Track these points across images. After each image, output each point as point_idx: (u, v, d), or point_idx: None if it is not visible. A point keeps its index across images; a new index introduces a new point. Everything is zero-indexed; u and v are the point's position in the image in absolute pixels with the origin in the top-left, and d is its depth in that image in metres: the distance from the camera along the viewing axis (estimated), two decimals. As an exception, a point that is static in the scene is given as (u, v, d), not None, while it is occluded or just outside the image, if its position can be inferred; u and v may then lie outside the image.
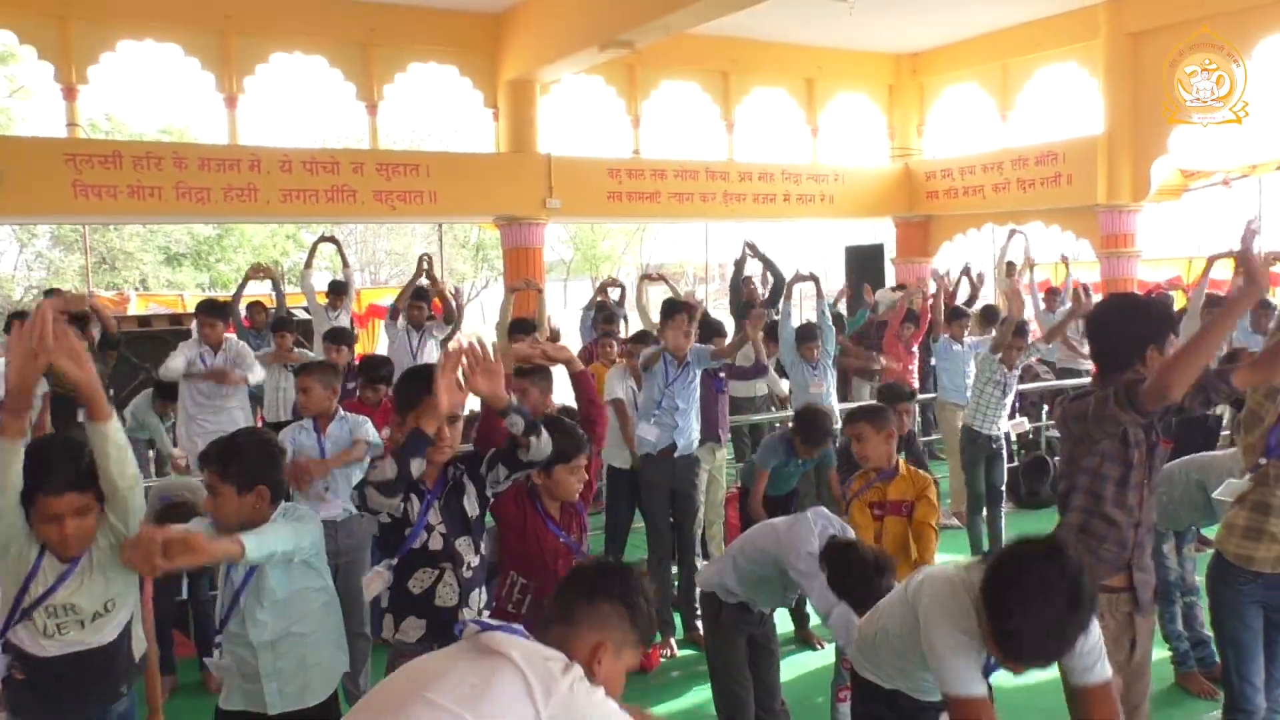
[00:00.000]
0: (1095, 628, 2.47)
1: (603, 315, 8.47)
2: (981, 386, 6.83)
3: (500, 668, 1.82)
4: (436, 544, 3.08)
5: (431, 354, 7.71)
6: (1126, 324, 3.07)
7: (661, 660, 5.36)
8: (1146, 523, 3.12)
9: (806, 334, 6.89)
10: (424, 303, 7.69)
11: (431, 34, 11.69)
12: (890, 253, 15.60)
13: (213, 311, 6.88)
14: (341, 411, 4.75)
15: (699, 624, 5.56)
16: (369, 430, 4.76)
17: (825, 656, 5.14)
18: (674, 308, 5.52)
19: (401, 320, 7.89)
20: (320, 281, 30.02)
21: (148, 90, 34.56)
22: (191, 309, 13.56)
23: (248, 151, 10.79)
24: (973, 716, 2.44)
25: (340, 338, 6.84)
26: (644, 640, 2.05)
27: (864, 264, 15.24)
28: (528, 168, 12.01)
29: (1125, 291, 3.03)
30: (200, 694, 4.89)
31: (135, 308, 13.76)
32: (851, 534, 3.61)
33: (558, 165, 12.14)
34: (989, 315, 10.34)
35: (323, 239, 9.13)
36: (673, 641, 5.52)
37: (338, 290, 9.38)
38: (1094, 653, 2.50)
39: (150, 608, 4.61)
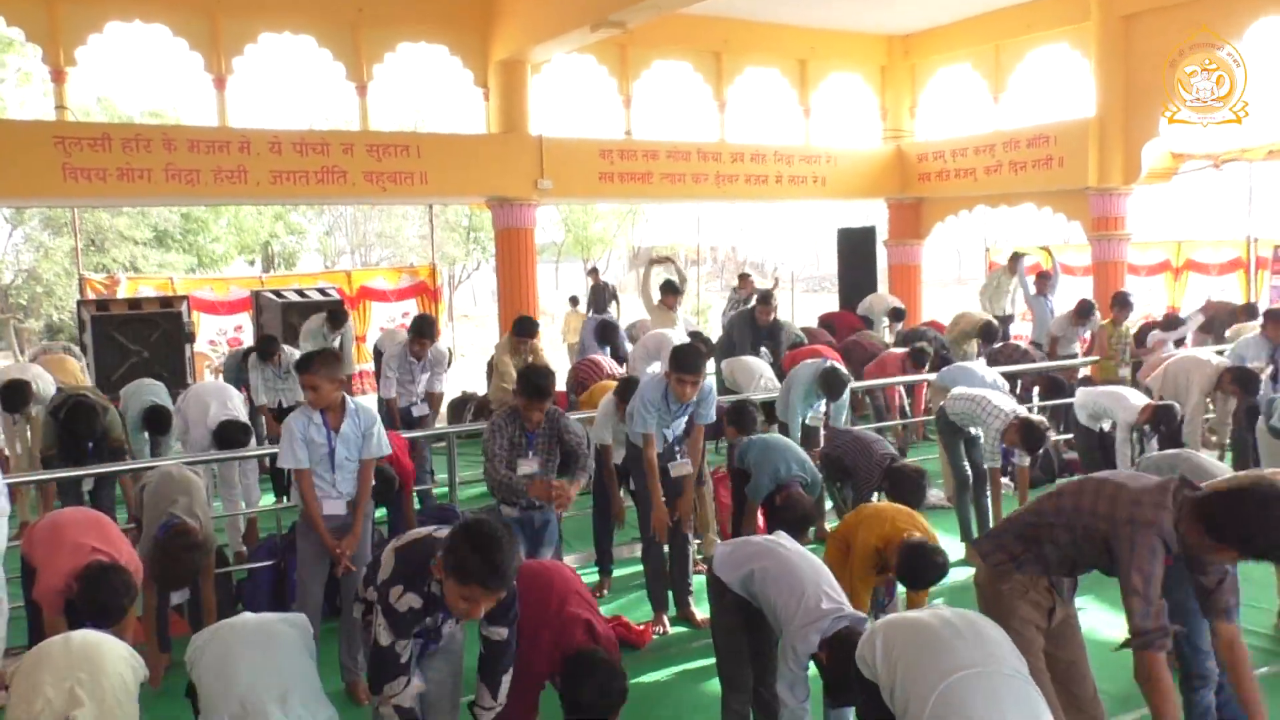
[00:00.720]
0: None
1: (605, 295, 8.54)
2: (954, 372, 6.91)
3: None
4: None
5: (420, 383, 7.91)
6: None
7: (655, 637, 5.40)
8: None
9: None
10: (427, 340, 7.82)
11: (421, 13, 11.63)
12: (882, 235, 15.61)
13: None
14: (350, 404, 4.67)
15: (690, 601, 5.62)
16: (379, 431, 4.73)
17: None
18: (688, 364, 5.14)
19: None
20: (311, 263, 29.69)
21: (136, 73, 34.37)
22: (181, 291, 13.56)
23: (237, 133, 10.73)
24: None
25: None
26: None
27: (856, 246, 15.26)
28: (519, 148, 11.97)
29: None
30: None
31: (125, 290, 13.68)
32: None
33: (549, 146, 12.11)
34: (988, 333, 10.45)
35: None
36: (665, 619, 5.56)
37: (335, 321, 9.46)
38: None
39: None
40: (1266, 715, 2.96)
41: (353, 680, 4.75)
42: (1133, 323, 10.35)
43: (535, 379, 4.83)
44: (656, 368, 9.93)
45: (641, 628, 5.42)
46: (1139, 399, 6.29)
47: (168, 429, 7.02)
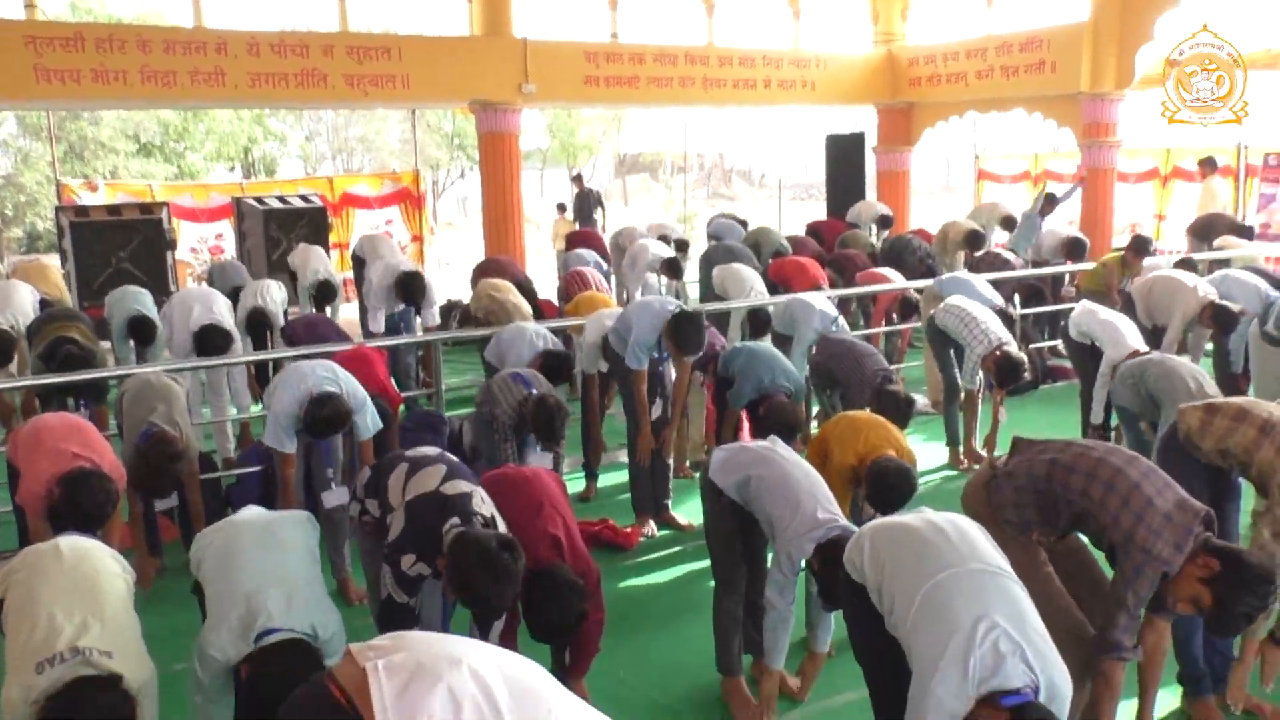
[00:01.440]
0: None
1: (590, 202, 8.45)
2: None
3: None
4: None
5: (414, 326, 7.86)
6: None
7: (641, 539, 5.48)
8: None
9: None
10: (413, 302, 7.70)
11: (401, -91, 11.27)
12: (871, 141, 15.45)
13: None
14: None
15: (669, 507, 5.71)
16: (369, 412, 4.76)
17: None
18: (688, 345, 5.36)
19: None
20: (292, 169, 29.27)
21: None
22: (161, 198, 13.37)
23: (214, 34, 10.45)
24: None
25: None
26: None
27: (845, 153, 15.12)
28: (502, 51, 11.71)
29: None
30: (185, 576, 4.97)
31: (104, 196, 13.48)
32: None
33: (533, 49, 11.85)
34: (974, 241, 10.41)
35: None
36: (651, 522, 5.64)
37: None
38: None
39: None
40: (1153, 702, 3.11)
41: (342, 578, 4.82)
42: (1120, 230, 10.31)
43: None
44: (651, 279, 9.95)
45: (629, 530, 5.50)
46: (1134, 339, 6.20)
47: (153, 339, 6.90)
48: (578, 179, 17.85)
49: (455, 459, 3.52)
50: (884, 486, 4.02)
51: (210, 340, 6.38)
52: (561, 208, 17.83)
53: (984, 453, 6.62)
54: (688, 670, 4.07)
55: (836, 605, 3.30)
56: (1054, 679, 2.32)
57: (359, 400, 4.72)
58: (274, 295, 7.58)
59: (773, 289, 8.47)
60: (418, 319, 7.87)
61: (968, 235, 10.57)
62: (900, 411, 5.17)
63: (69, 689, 2.37)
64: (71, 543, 2.90)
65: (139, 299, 7.24)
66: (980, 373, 6.32)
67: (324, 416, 4.50)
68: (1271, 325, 5.98)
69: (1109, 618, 2.87)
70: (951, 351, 6.61)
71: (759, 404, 5.42)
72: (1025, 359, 6.32)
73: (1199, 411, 3.77)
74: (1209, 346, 7.17)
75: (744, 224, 12.51)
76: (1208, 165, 12.44)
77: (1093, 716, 2.98)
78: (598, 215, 16.08)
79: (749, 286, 8.02)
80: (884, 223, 12.33)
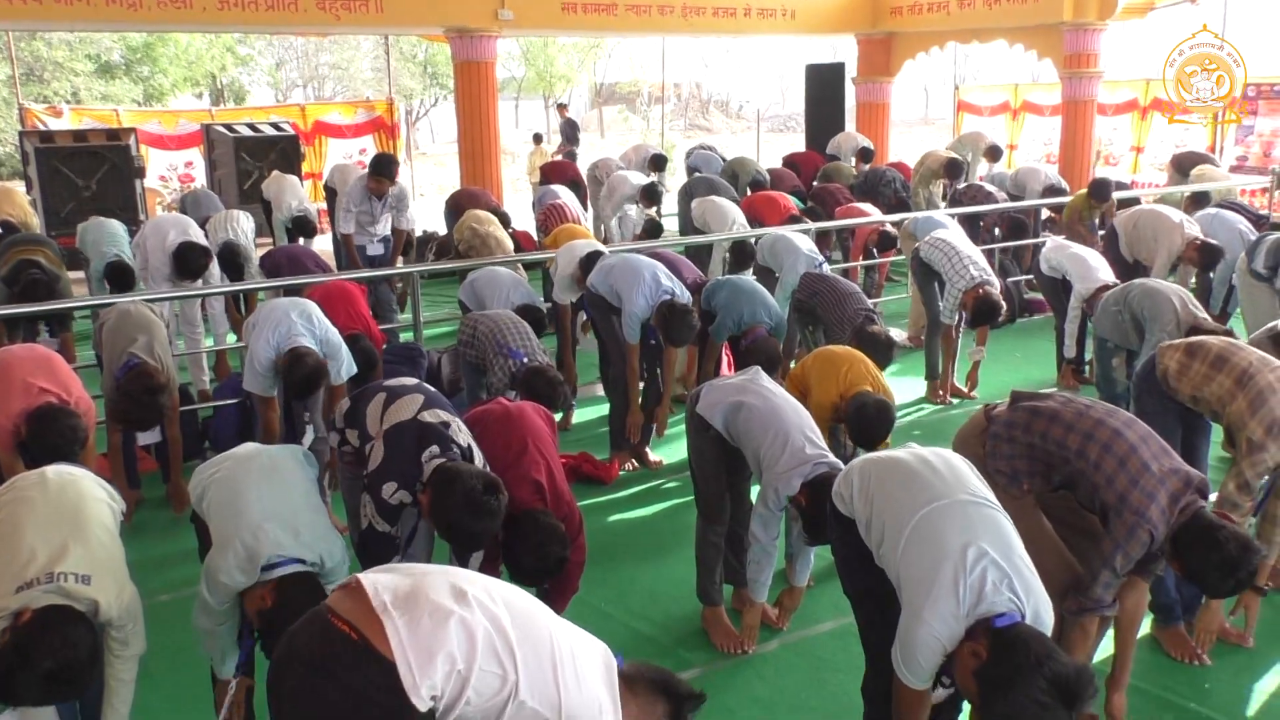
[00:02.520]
0: None
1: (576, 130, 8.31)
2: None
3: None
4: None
5: (381, 222, 7.66)
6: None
7: (620, 474, 5.50)
8: None
9: None
10: (387, 179, 7.47)
11: None
12: (851, 72, 15.29)
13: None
14: None
15: (647, 449, 5.70)
16: (345, 358, 4.75)
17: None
18: (678, 338, 5.27)
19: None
20: (262, 96, 28.65)
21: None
22: (128, 124, 13.08)
23: (180, -47, 10.14)
24: (916, 702, 2.47)
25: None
26: None
27: (825, 83, 14.95)
28: (478, -25, 11.44)
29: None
30: (164, 508, 4.98)
31: (69, 121, 13.18)
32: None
33: (510, -27, 11.58)
34: (953, 169, 10.36)
35: None
36: (631, 458, 5.65)
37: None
38: None
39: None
40: (1126, 673, 3.14)
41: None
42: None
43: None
44: (630, 211, 9.86)
45: (609, 463, 5.51)
46: (1104, 273, 6.24)
47: (132, 285, 6.67)
48: (561, 108, 17.66)
49: (433, 389, 3.50)
50: (864, 421, 4.07)
51: (191, 259, 6.23)
52: (538, 138, 17.61)
53: (963, 388, 6.66)
54: (669, 601, 4.11)
55: (820, 541, 3.33)
56: (1039, 609, 2.35)
57: (334, 347, 4.68)
58: (243, 226, 7.44)
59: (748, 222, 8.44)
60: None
61: (946, 164, 10.51)
62: (882, 352, 5.17)
63: (34, 617, 2.36)
64: (58, 470, 2.88)
65: (114, 239, 6.99)
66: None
67: (301, 379, 4.46)
68: (1260, 263, 6.00)
69: (1094, 574, 2.89)
70: (936, 285, 6.61)
71: (740, 338, 5.43)
72: (1003, 304, 6.33)
73: (1178, 353, 3.78)
74: (1191, 282, 7.20)
75: (723, 159, 12.40)
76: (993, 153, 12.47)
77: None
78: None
79: (730, 219, 7.96)
80: (864, 155, 12.24)
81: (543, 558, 3.11)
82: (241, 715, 2.98)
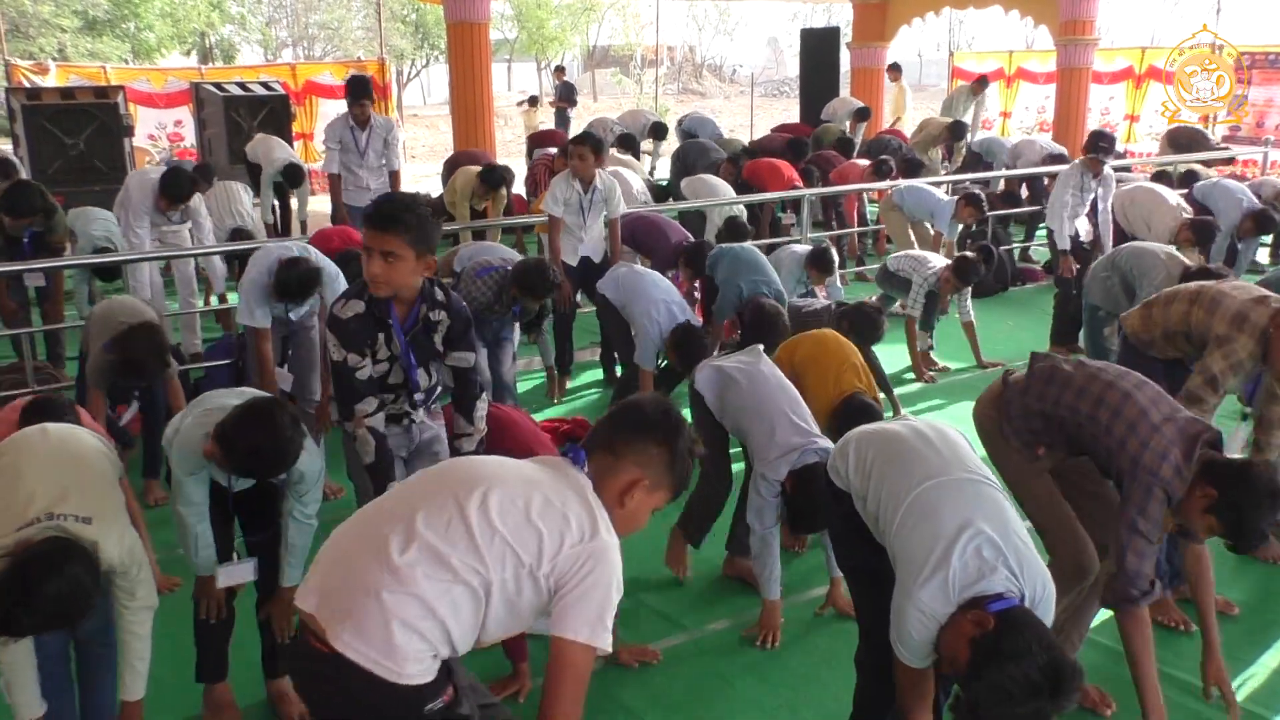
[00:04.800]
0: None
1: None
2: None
3: (572, 500, 1.98)
4: (396, 377, 3.08)
5: (369, 157, 7.15)
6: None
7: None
8: None
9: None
10: (366, 100, 7.04)
11: None
12: (846, 37, 15.20)
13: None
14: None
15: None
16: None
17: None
18: (691, 358, 4.96)
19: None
20: (251, 55, 28.40)
21: None
22: (116, 82, 12.92)
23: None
24: (916, 680, 2.44)
25: None
26: (677, 488, 2.14)
27: (820, 47, 14.87)
28: (471, -66, 11.28)
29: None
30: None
31: (55, 79, 13.01)
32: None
33: (503, -68, 11.44)
34: (957, 131, 10.34)
35: None
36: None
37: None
38: None
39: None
40: (1213, 632, 3.04)
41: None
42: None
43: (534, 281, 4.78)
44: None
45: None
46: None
47: (118, 276, 6.64)
48: (559, 71, 17.56)
49: None
50: (854, 423, 3.99)
51: (178, 185, 6.01)
52: (534, 100, 17.48)
53: (947, 364, 6.65)
54: (661, 566, 4.12)
55: (807, 530, 3.35)
56: (1037, 587, 2.35)
57: (330, 273, 4.62)
58: (243, 204, 7.44)
59: (747, 189, 8.39)
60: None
61: (950, 127, 10.50)
62: (872, 323, 5.20)
63: (35, 545, 2.37)
64: (57, 427, 2.88)
65: (106, 227, 6.65)
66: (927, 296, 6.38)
67: (294, 276, 4.40)
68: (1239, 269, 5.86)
69: (1120, 546, 2.82)
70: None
71: (743, 311, 5.39)
72: (979, 265, 6.35)
73: (1137, 311, 4.01)
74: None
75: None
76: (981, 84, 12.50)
77: (1131, 664, 2.92)
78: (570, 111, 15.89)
79: (721, 195, 7.95)
80: (861, 115, 12.18)
81: None
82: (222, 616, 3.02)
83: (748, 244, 6.35)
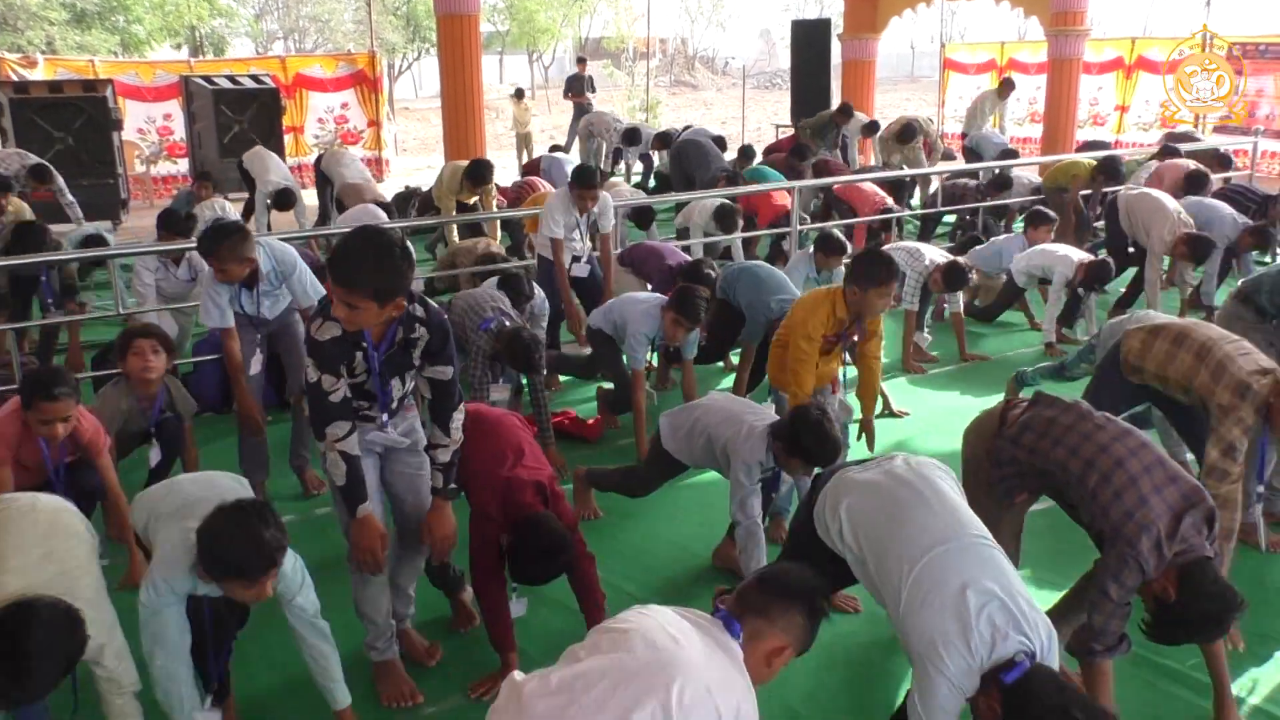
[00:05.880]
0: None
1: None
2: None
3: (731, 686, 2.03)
4: (372, 384, 3.01)
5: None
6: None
7: (605, 433, 5.50)
8: None
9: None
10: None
11: None
12: (837, 28, 15.18)
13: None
14: (262, 253, 4.36)
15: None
16: (303, 272, 4.49)
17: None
18: (691, 315, 5.03)
19: None
20: (242, 48, 28.29)
21: None
22: (105, 75, 12.85)
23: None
24: None
25: None
26: (805, 647, 2.25)
27: (811, 39, 14.86)
28: (461, -75, 11.23)
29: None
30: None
31: (43, 72, 12.94)
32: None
33: (493, -76, 11.39)
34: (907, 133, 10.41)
35: None
36: (616, 418, 5.65)
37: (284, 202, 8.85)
38: None
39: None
40: (1226, 688, 3.06)
41: (299, 465, 4.79)
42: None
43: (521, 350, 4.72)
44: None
45: (592, 422, 5.50)
46: (1079, 255, 6.62)
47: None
48: (581, 62, 17.49)
49: None
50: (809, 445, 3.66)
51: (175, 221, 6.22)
52: (520, 94, 17.43)
53: (935, 354, 6.69)
54: (652, 559, 4.11)
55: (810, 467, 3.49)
56: (1043, 639, 2.40)
57: (290, 263, 4.47)
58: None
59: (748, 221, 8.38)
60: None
61: (898, 132, 10.61)
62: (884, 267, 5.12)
63: (17, 604, 2.28)
64: (49, 499, 2.87)
65: (282, 170, 7.15)
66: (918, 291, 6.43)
67: (208, 233, 4.23)
68: (1265, 299, 5.47)
69: (1092, 604, 2.86)
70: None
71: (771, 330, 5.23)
72: (968, 266, 6.47)
73: (1142, 333, 3.98)
74: (1189, 278, 7.18)
75: (718, 140, 11.97)
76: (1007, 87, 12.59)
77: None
78: (590, 96, 15.86)
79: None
80: (844, 110, 12.15)
81: (548, 565, 3.10)
82: None
83: (760, 261, 6.36)
